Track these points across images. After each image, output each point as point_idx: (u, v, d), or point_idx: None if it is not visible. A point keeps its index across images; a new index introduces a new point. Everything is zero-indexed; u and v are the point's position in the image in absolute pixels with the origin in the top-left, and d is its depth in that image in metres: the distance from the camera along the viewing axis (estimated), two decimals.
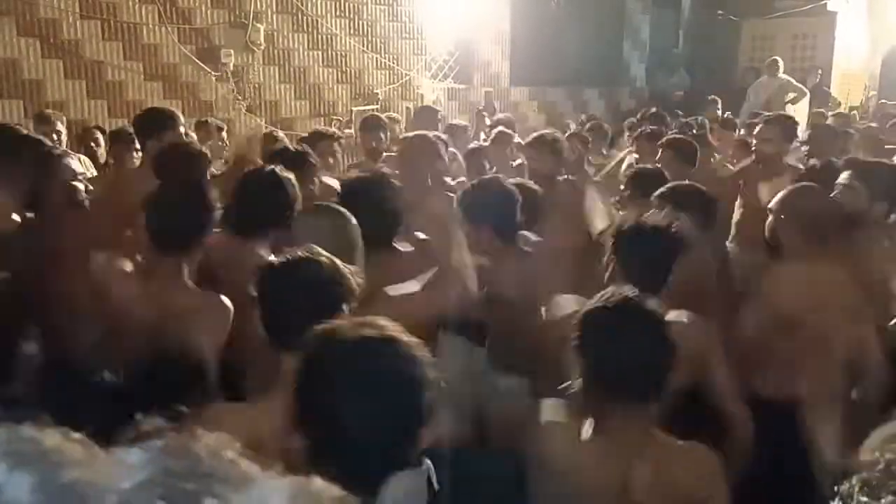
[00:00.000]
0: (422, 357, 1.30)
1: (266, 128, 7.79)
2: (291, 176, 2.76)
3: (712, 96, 8.79)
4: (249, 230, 2.62)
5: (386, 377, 1.27)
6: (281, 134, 5.34)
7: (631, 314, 1.69)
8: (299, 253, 1.75)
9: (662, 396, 1.68)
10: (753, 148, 4.33)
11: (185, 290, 2.27)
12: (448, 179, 4.12)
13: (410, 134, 4.48)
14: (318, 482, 0.60)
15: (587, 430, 1.72)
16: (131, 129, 4.36)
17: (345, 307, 1.72)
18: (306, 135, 5.09)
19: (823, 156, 4.29)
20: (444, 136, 4.42)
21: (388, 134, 5.14)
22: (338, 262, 1.76)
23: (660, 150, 4.21)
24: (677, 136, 4.43)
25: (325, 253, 1.76)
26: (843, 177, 3.12)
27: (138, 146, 3.96)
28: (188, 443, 0.56)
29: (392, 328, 1.35)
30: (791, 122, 4.45)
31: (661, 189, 2.86)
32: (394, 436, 1.27)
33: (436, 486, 2.17)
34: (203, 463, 0.54)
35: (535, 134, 4.16)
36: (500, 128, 5.47)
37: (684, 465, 1.71)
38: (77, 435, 0.57)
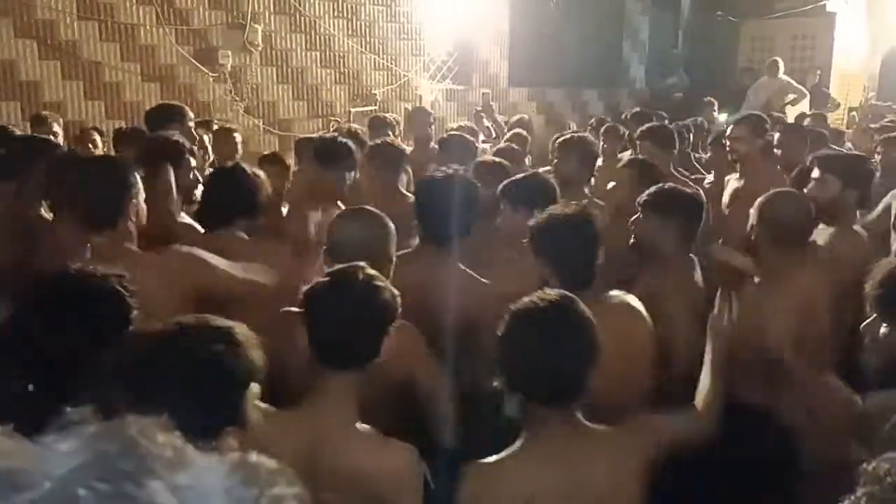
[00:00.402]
0: (231, 351, 1.30)
1: (263, 129, 7.80)
2: (260, 172, 2.91)
3: (708, 98, 8.76)
4: (215, 224, 2.70)
5: (182, 372, 1.27)
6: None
7: (557, 317, 1.67)
8: (348, 272, 1.76)
9: (586, 396, 1.68)
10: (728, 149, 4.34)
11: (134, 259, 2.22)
12: None
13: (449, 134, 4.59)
14: (254, 456, 0.60)
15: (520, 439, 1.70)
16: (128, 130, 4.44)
17: (391, 327, 1.75)
18: (310, 138, 5.13)
19: (792, 156, 4.34)
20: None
21: (394, 133, 5.18)
22: (385, 281, 1.79)
23: (637, 144, 4.26)
24: (652, 125, 4.45)
25: (372, 272, 1.78)
26: (815, 172, 3.19)
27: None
28: (120, 426, 0.55)
29: (204, 322, 1.35)
30: (760, 120, 4.48)
31: (644, 195, 2.81)
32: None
33: (431, 485, 2.16)
34: (138, 445, 0.53)
35: (566, 134, 4.14)
36: (517, 129, 5.57)
37: (619, 452, 1.70)
38: (5, 428, 0.56)
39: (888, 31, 11.70)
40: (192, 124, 3.85)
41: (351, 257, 1.90)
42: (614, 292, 2.33)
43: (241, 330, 1.35)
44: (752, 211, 2.77)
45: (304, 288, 1.79)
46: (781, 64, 9.56)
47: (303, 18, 8.25)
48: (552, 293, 1.74)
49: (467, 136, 4.49)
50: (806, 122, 6.59)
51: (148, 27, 7.24)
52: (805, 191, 3.15)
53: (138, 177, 2.34)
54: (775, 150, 4.61)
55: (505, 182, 2.94)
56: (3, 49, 6.51)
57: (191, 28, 7.50)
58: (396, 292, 1.79)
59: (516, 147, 4.73)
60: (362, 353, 1.74)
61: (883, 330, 1.94)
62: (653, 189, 2.83)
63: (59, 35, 6.78)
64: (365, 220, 2.37)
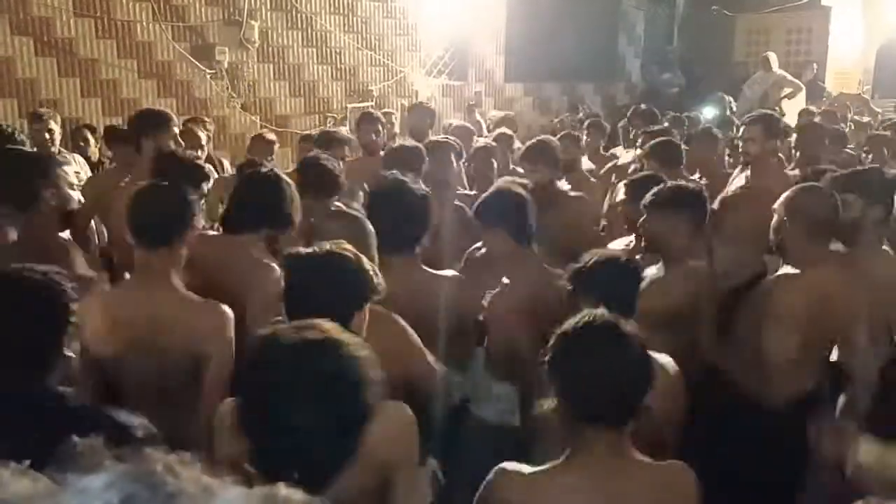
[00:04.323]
0: (363, 357, 1.32)
1: (260, 126, 7.79)
2: (289, 180, 2.80)
3: (721, 93, 8.74)
4: (241, 228, 2.65)
5: (326, 378, 1.27)
6: (272, 136, 5.34)
7: (609, 335, 1.64)
8: (326, 245, 1.79)
9: (637, 418, 1.64)
10: (741, 150, 4.34)
11: (177, 296, 2.26)
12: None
13: (437, 138, 4.54)
14: (282, 489, 0.60)
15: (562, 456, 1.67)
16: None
17: (367, 302, 1.79)
18: (312, 135, 5.13)
19: (813, 155, 4.33)
20: (457, 142, 4.45)
21: (384, 129, 5.17)
22: (363, 257, 1.81)
23: (644, 161, 4.22)
24: (658, 141, 4.41)
25: (350, 247, 1.81)
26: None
27: None
28: (146, 465, 0.54)
29: (333, 330, 1.36)
30: (773, 119, 4.47)
31: (648, 197, 2.82)
32: (336, 436, 1.27)
33: (441, 480, 2.19)
34: (167, 483, 0.53)
35: (528, 144, 4.12)
36: (503, 129, 5.56)
37: (662, 486, 1.67)
38: (20, 467, 0.56)
39: (883, 25, 11.73)
40: (177, 130, 3.84)
41: None
42: None
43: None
44: (779, 207, 2.74)
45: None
46: (774, 58, 9.56)
47: (299, 15, 8.25)
48: (598, 313, 1.70)
49: (453, 142, 4.42)
50: (816, 119, 6.61)
51: (144, 24, 7.24)
52: None
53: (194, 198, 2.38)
54: (793, 151, 4.62)
55: (476, 204, 2.89)
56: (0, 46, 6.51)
57: (187, 25, 7.50)
58: (373, 267, 1.85)
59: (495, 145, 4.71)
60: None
61: None
62: (655, 189, 2.84)
63: (55, 32, 6.78)
64: (347, 221, 2.40)
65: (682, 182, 3.04)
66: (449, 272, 2.68)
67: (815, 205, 2.69)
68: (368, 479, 1.68)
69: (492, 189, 3.00)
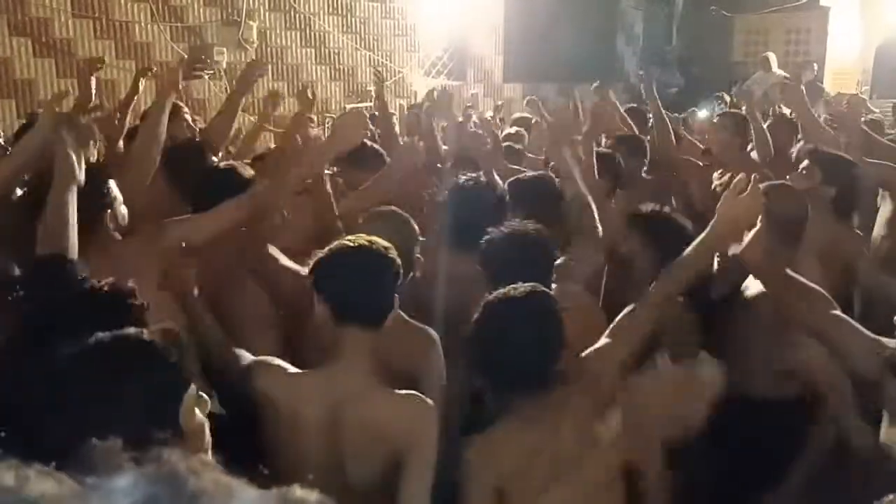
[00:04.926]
0: (170, 360, 1.26)
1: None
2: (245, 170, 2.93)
3: (722, 93, 8.73)
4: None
5: (125, 379, 1.22)
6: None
7: (518, 311, 1.76)
8: (361, 238, 1.85)
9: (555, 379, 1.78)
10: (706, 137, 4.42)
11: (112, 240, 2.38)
12: None
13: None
14: (297, 490, 0.60)
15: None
16: None
17: (397, 288, 1.85)
18: None
19: (780, 146, 4.42)
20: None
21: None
22: (391, 246, 1.85)
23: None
24: (623, 134, 4.50)
25: (380, 240, 1.85)
26: (804, 163, 3.26)
27: None
28: (171, 465, 0.55)
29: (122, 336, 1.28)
30: (741, 116, 4.52)
31: (635, 213, 2.68)
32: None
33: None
34: (189, 484, 0.54)
35: None
36: (516, 128, 5.61)
37: (592, 400, 1.85)
38: (44, 468, 0.56)
39: (881, 25, 11.73)
40: (189, 118, 3.90)
41: None
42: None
43: (161, 338, 1.28)
44: None
45: (316, 254, 1.84)
46: (774, 58, 9.57)
47: (298, 15, 8.25)
48: (525, 286, 1.81)
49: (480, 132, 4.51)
50: (794, 115, 6.61)
51: (143, 24, 7.24)
52: (788, 177, 3.19)
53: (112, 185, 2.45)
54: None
55: (509, 181, 2.92)
56: None
57: (185, 25, 7.50)
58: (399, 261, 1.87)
59: (517, 146, 4.74)
60: (378, 310, 1.81)
61: None
62: (651, 209, 2.68)
63: (53, 33, 6.78)
64: (393, 221, 2.41)
65: (680, 217, 2.73)
66: None
67: (780, 204, 2.53)
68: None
69: (532, 174, 3.07)
